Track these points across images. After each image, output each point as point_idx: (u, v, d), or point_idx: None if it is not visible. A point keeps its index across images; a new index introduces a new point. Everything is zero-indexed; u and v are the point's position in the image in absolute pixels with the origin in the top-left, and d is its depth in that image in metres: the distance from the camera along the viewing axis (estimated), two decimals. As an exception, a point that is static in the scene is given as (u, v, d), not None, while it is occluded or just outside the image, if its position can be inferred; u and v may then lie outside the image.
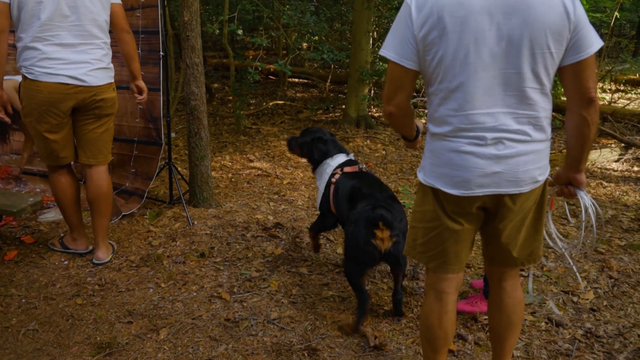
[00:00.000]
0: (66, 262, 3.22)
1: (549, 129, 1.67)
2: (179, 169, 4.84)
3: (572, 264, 2.13)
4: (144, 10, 3.79)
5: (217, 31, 6.26)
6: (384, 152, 6.04)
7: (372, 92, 7.88)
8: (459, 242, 1.76)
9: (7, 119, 3.04)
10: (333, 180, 2.89)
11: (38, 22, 2.82)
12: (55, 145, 3.04)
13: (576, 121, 1.64)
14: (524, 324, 2.60)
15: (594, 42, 1.57)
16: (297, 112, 7.72)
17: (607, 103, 8.07)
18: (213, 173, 4.91)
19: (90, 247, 3.34)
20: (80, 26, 2.93)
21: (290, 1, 6.80)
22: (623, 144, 5.99)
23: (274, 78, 10.20)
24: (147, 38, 3.82)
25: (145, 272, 3.12)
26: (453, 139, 1.63)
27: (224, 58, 10.30)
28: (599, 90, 7.91)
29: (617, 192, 4.72)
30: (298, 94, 9.11)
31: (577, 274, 3.12)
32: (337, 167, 2.96)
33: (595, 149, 5.78)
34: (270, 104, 7.94)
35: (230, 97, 7.92)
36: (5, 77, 3.06)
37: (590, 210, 1.78)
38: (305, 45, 9.35)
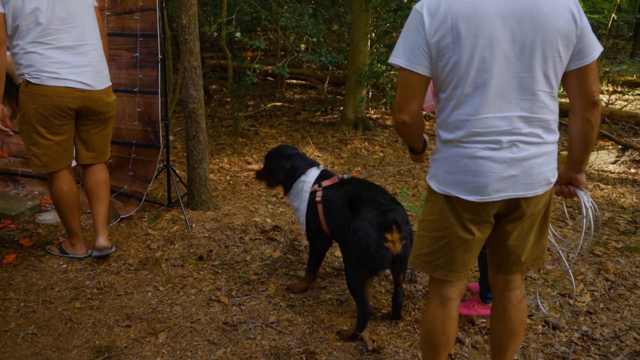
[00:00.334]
0: (65, 266, 3.22)
1: (557, 131, 1.71)
2: (177, 171, 4.85)
3: (567, 266, 2.14)
4: (142, 13, 3.80)
5: (215, 34, 6.28)
6: (382, 154, 6.05)
7: (370, 93, 7.89)
8: (467, 251, 1.76)
9: (10, 132, 3.05)
10: (318, 199, 2.75)
11: (38, 27, 2.84)
12: (57, 148, 3.06)
13: (580, 123, 1.69)
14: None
15: (597, 48, 1.63)
16: (295, 114, 7.73)
17: (604, 105, 8.09)
18: (211, 175, 4.92)
19: (89, 252, 3.34)
20: (76, 28, 2.98)
21: (288, 3, 6.80)
22: (620, 146, 6.01)
23: (272, 79, 10.20)
24: (146, 41, 3.83)
25: (144, 275, 3.13)
26: (467, 145, 1.63)
27: (222, 59, 10.31)
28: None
29: (614, 194, 4.74)
30: (296, 96, 9.11)
31: (572, 275, 3.14)
32: (314, 183, 2.82)
33: (593, 150, 5.80)
34: (269, 105, 7.95)
35: (229, 99, 7.93)
36: None
37: (589, 210, 1.81)
38: (303, 46, 9.36)
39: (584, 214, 1.82)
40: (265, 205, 4.36)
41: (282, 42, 8.74)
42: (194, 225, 3.79)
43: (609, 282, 3.09)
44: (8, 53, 2.97)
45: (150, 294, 2.93)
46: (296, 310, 2.77)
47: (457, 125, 1.64)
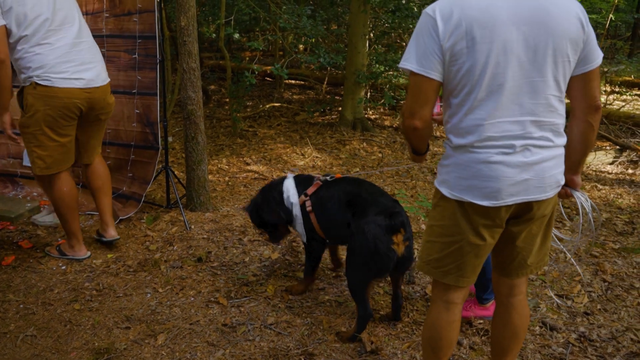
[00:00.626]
0: (64, 267, 3.23)
1: (564, 134, 1.73)
2: (176, 172, 4.85)
3: (572, 259, 2.17)
4: (141, 15, 3.80)
5: (214, 35, 6.28)
6: (380, 155, 6.06)
7: (369, 94, 7.90)
8: (478, 257, 1.77)
9: (19, 140, 3.07)
10: (309, 209, 2.74)
11: (42, 29, 2.90)
12: (62, 149, 3.10)
13: (582, 127, 1.73)
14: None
15: (600, 54, 1.68)
16: (294, 115, 7.74)
17: (602, 105, 8.10)
18: (210, 176, 4.93)
19: (89, 253, 3.36)
20: (73, 26, 3.06)
21: (286, 4, 6.81)
22: (618, 147, 6.03)
23: (270, 80, 10.21)
24: (144, 43, 3.84)
25: (143, 277, 3.14)
26: (480, 150, 1.64)
27: (220, 59, 10.31)
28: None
29: (612, 195, 4.75)
30: (294, 96, 9.12)
31: (577, 266, 3.16)
32: (300, 195, 2.80)
33: (590, 151, 5.81)
34: (267, 106, 7.95)
35: (227, 99, 7.93)
36: None
37: (588, 209, 1.84)
38: (301, 47, 9.36)
39: (581, 215, 1.85)
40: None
41: (280, 42, 8.74)
42: (192, 227, 3.80)
43: (606, 283, 3.10)
44: None
45: (149, 295, 2.94)
46: (295, 312, 2.78)
47: (470, 130, 1.64)
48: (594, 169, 5.60)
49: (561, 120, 1.68)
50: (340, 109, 7.33)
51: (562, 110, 1.68)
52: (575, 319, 2.74)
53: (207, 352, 2.45)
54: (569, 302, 2.90)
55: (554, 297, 2.93)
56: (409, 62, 1.64)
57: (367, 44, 7.00)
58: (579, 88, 1.69)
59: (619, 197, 4.70)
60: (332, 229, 2.71)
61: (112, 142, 4.10)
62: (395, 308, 2.67)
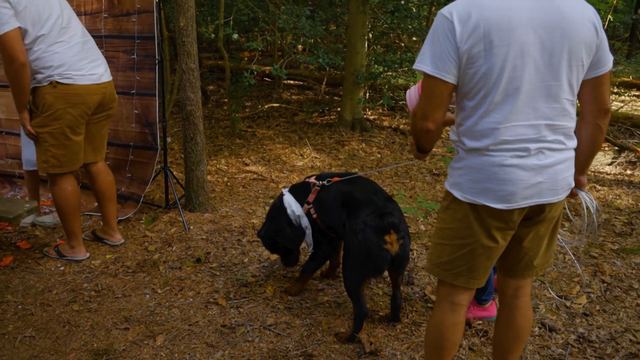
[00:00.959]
0: (62, 268, 3.22)
1: (575, 137, 1.74)
2: (175, 172, 4.85)
3: (575, 261, 2.17)
4: (140, 15, 3.80)
5: (213, 35, 6.28)
6: (379, 156, 6.06)
7: (367, 95, 7.90)
8: (490, 259, 1.77)
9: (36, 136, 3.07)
10: (315, 215, 2.79)
11: (56, 28, 2.93)
12: (76, 148, 3.13)
13: (592, 130, 1.75)
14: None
15: (611, 58, 1.69)
16: (293, 115, 7.74)
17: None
18: (208, 177, 4.93)
19: (88, 254, 3.35)
20: (79, 25, 3.14)
21: (285, 4, 6.81)
22: (616, 147, 6.03)
23: (269, 80, 10.20)
24: (143, 43, 3.83)
25: (142, 277, 3.13)
26: (495, 153, 1.63)
27: (219, 59, 10.30)
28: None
29: (610, 196, 4.76)
30: (293, 97, 9.12)
31: (577, 264, 3.17)
32: (303, 205, 2.82)
33: (598, 152, 5.81)
34: (266, 106, 7.95)
35: (226, 100, 7.93)
36: None
37: (592, 210, 1.86)
38: (300, 47, 9.36)
39: (586, 215, 1.86)
40: (263, 207, 4.37)
41: (279, 43, 8.74)
42: (191, 227, 3.80)
43: (605, 284, 3.11)
44: None
45: (148, 296, 2.94)
46: (294, 313, 2.78)
47: (485, 133, 1.64)
48: (592, 169, 5.61)
49: (573, 124, 1.69)
50: (339, 109, 7.33)
51: (574, 113, 1.69)
52: (574, 320, 2.74)
53: (206, 353, 2.45)
54: (568, 303, 2.90)
55: (554, 296, 2.93)
56: (423, 63, 1.62)
57: (366, 45, 7.00)
58: (590, 91, 1.70)
59: (618, 197, 4.71)
60: (335, 227, 2.76)
61: (111, 143, 4.09)
62: (394, 309, 2.67)
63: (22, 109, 2.98)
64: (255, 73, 5.89)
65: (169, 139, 6.42)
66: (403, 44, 8.86)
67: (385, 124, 7.39)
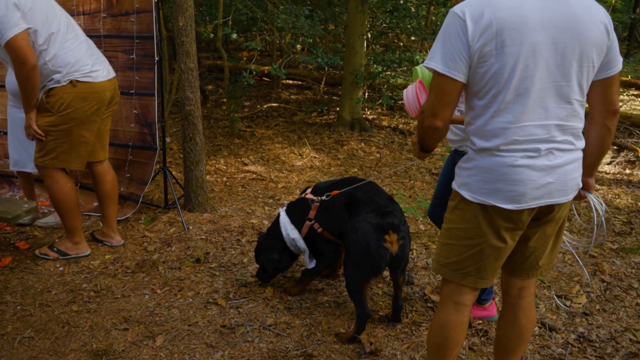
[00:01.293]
0: (61, 268, 3.21)
1: (583, 137, 1.74)
2: (174, 172, 4.84)
3: (579, 261, 2.17)
4: (139, 15, 3.79)
5: (212, 35, 6.27)
6: (378, 156, 6.06)
7: (366, 94, 7.90)
8: (498, 259, 1.77)
9: (44, 137, 3.05)
10: (320, 230, 2.78)
11: (63, 26, 2.95)
12: (88, 147, 3.17)
13: (600, 131, 1.75)
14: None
15: (620, 59, 1.70)
16: (292, 115, 7.73)
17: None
18: (207, 177, 4.92)
19: (89, 250, 3.35)
20: (77, 24, 3.16)
21: (284, 3, 6.80)
22: (615, 147, 6.04)
23: (267, 80, 10.20)
24: (142, 43, 3.82)
25: (141, 278, 3.12)
26: (506, 154, 1.63)
27: (218, 59, 10.29)
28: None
29: (610, 195, 4.76)
30: (292, 96, 9.11)
31: (584, 269, 3.17)
32: (305, 222, 2.81)
33: (606, 154, 5.83)
34: (265, 106, 7.94)
35: (225, 99, 7.92)
36: None
37: (601, 212, 1.86)
38: (299, 47, 9.35)
39: (595, 217, 1.86)
40: (262, 207, 4.36)
41: (278, 42, 8.73)
42: (190, 228, 3.79)
43: (605, 284, 3.11)
44: None
45: (147, 296, 2.93)
46: (294, 313, 2.77)
47: (496, 133, 1.63)
48: (591, 169, 5.60)
49: (582, 125, 1.69)
50: (338, 109, 7.33)
51: (582, 114, 1.69)
52: (574, 320, 2.74)
53: (205, 353, 2.44)
54: (568, 303, 2.90)
55: (555, 298, 2.93)
56: (434, 61, 1.62)
57: (365, 44, 7.00)
58: (599, 93, 1.71)
59: (617, 197, 4.71)
60: (340, 232, 2.74)
61: (110, 143, 4.06)
62: (396, 309, 2.67)
63: (30, 110, 2.97)
64: (254, 73, 5.89)
65: (168, 139, 6.41)
66: (402, 44, 8.86)
67: (384, 123, 7.39)
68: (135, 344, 2.51)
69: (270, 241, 2.92)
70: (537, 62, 1.56)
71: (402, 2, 7.32)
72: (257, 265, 3.01)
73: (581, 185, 1.76)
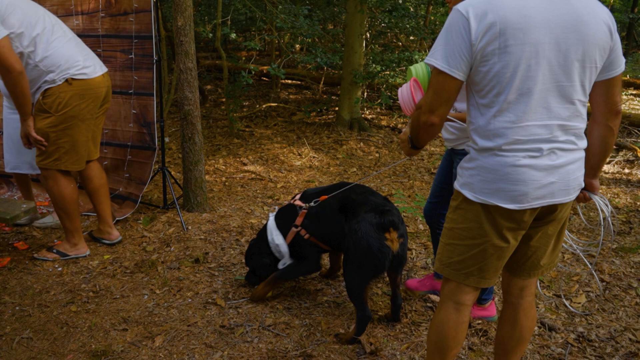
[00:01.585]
0: (60, 269, 3.21)
1: (585, 137, 1.74)
2: (173, 172, 4.84)
3: (589, 265, 2.17)
4: (137, 15, 3.78)
5: (210, 34, 6.26)
6: (377, 155, 6.05)
7: (365, 94, 7.89)
8: (501, 259, 1.77)
9: (45, 142, 3.03)
10: (307, 236, 2.74)
11: (48, 26, 2.94)
12: (86, 146, 3.17)
13: (603, 131, 1.76)
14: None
15: (623, 60, 1.70)
16: (291, 115, 7.73)
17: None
18: (206, 177, 4.91)
19: (89, 250, 3.35)
20: (62, 21, 3.16)
21: (282, 3, 6.79)
22: (614, 146, 6.04)
23: (266, 79, 10.19)
24: (141, 43, 3.82)
25: (140, 278, 3.12)
26: (508, 154, 1.62)
27: (216, 59, 10.28)
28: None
29: (608, 195, 4.76)
30: (291, 96, 9.11)
31: (594, 272, 3.17)
32: (292, 228, 2.78)
33: (609, 155, 5.82)
34: (264, 106, 7.94)
35: (224, 99, 7.91)
36: None
37: (607, 213, 1.86)
38: (298, 46, 9.34)
39: (601, 219, 1.86)
40: (261, 206, 4.36)
41: (277, 42, 8.72)
42: (189, 228, 3.79)
43: (604, 283, 3.11)
44: None
45: (146, 297, 2.92)
46: (293, 313, 2.77)
47: (498, 133, 1.63)
48: (590, 168, 5.61)
49: (584, 125, 1.69)
50: (337, 108, 7.33)
51: (585, 115, 1.69)
52: (573, 319, 2.74)
53: (205, 353, 2.44)
54: (567, 302, 2.89)
55: (560, 298, 2.93)
56: (435, 58, 1.62)
57: (364, 44, 7.00)
58: (602, 93, 1.71)
59: (616, 196, 4.71)
60: (334, 238, 2.71)
61: (109, 143, 4.08)
62: (395, 309, 2.66)
63: (26, 117, 2.96)
64: (253, 72, 5.88)
65: (166, 139, 6.40)
66: (401, 43, 8.86)
67: (383, 123, 7.39)
68: (134, 345, 2.50)
69: (259, 245, 2.92)
70: (540, 62, 1.56)
71: (400, 1, 7.32)
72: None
73: (583, 185, 1.75)
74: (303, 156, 5.94)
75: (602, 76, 1.68)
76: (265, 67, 8.50)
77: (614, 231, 1.91)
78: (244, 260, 3.33)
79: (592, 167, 1.80)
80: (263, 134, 6.77)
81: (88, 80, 3.01)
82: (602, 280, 3.14)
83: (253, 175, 5.25)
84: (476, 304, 2.72)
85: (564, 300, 2.91)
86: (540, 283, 3.09)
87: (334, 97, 8.48)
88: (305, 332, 2.60)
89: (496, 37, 1.54)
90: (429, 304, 2.87)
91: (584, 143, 1.71)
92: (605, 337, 2.58)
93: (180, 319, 2.71)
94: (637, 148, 5.86)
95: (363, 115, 7.44)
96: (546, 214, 1.72)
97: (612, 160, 5.79)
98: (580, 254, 2.10)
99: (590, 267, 2.10)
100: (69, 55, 2.96)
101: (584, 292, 2.99)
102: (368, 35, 7.59)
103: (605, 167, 5.65)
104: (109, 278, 3.12)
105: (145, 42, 3.81)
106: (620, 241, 3.72)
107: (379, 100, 7.18)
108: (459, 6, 1.60)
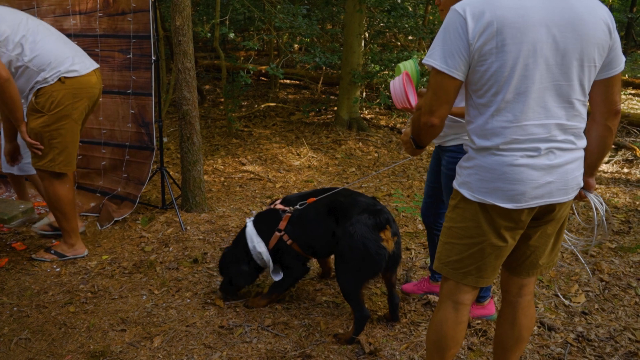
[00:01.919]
0: (58, 269, 3.20)
1: (584, 137, 1.74)
2: (171, 172, 4.83)
3: (582, 259, 2.17)
4: (135, 14, 3.77)
5: (209, 34, 6.25)
6: (376, 155, 6.05)
7: (364, 94, 7.89)
8: (499, 258, 1.76)
9: (40, 146, 3.01)
10: (289, 242, 2.67)
11: (32, 23, 2.93)
12: (77, 146, 3.16)
13: (601, 131, 1.75)
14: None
15: (623, 59, 1.69)
16: (289, 114, 7.72)
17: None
18: (205, 177, 4.90)
19: (87, 251, 3.34)
20: (45, 22, 3.17)
21: (281, 3, 6.78)
22: (613, 146, 6.04)
23: (265, 79, 10.18)
24: (139, 42, 3.81)
25: (138, 278, 3.11)
26: (506, 153, 1.62)
27: (215, 59, 10.27)
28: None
29: (607, 194, 4.76)
30: (290, 96, 9.10)
31: (587, 267, 3.17)
32: (275, 233, 2.70)
33: (607, 154, 5.82)
34: (262, 106, 7.93)
35: (222, 99, 7.90)
36: None
37: (602, 212, 1.86)
38: (297, 46, 9.34)
39: (595, 217, 1.86)
40: (260, 207, 4.35)
41: (275, 42, 8.71)
42: (188, 228, 3.78)
43: (604, 283, 3.10)
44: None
45: (145, 297, 2.91)
46: (292, 313, 2.76)
47: (496, 132, 1.62)
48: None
49: (583, 124, 1.69)
50: (335, 108, 7.32)
51: (584, 114, 1.68)
52: (573, 319, 2.74)
53: (203, 354, 2.43)
54: (567, 302, 2.89)
55: (558, 296, 2.93)
56: (433, 58, 1.61)
57: (363, 44, 6.99)
58: (601, 92, 1.70)
59: (615, 196, 4.71)
60: (319, 244, 2.66)
61: (107, 143, 4.07)
62: (393, 308, 2.66)
63: (19, 122, 2.95)
64: (252, 72, 5.88)
65: (165, 139, 6.39)
66: (399, 43, 8.85)
67: (382, 123, 7.38)
68: (133, 345, 2.50)
69: (235, 253, 2.81)
70: (538, 61, 1.56)
71: (399, 1, 7.31)
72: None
73: (582, 184, 1.75)
74: (302, 156, 5.93)
75: (602, 75, 1.67)
76: (264, 67, 8.49)
77: (608, 229, 1.91)
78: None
79: (590, 165, 1.80)
80: (262, 134, 6.77)
81: (80, 78, 2.99)
82: (601, 280, 3.13)
83: (252, 175, 5.24)
84: (475, 303, 2.72)
85: (562, 298, 2.91)
86: (539, 283, 3.09)
87: (332, 97, 8.48)
88: (304, 333, 2.60)
89: (493, 36, 1.53)
90: (428, 304, 2.86)
91: (583, 143, 1.71)
92: (605, 337, 2.58)
93: (179, 320, 2.70)
94: (636, 147, 5.87)
95: (362, 115, 7.44)
96: (545, 213, 1.72)
97: (611, 160, 5.79)
98: (575, 249, 2.10)
99: (582, 260, 2.10)
100: (58, 52, 2.95)
101: (584, 292, 2.99)
102: (367, 34, 7.58)
103: (604, 167, 5.65)
104: (107, 278, 3.11)
105: (143, 42, 3.80)
106: (620, 241, 3.72)
107: (378, 100, 7.18)
108: (456, 6, 1.59)
